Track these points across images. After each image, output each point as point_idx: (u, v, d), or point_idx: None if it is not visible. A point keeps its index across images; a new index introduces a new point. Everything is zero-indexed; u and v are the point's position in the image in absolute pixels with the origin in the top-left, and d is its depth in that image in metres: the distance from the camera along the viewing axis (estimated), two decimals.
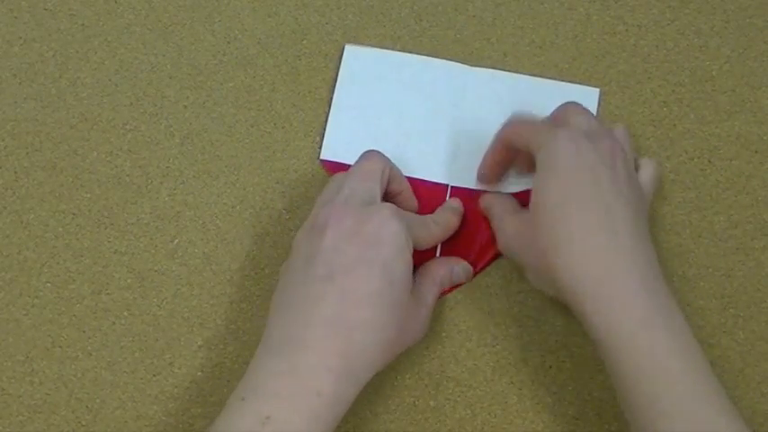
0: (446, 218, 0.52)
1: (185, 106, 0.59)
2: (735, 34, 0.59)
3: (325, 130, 0.57)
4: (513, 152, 0.52)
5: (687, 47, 0.59)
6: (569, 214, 0.45)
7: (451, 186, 0.55)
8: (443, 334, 0.53)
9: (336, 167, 0.55)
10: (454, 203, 0.54)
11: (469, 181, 0.55)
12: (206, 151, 0.58)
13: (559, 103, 0.52)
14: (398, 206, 0.48)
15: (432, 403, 0.52)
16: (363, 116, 0.57)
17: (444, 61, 0.58)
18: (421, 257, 0.52)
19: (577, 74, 0.58)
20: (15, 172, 0.58)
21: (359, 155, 0.51)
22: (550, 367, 0.52)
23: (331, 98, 0.58)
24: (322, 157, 0.57)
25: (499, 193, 0.54)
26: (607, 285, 0.43)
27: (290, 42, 0.60)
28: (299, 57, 0.60)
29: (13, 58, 0.60)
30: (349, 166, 0.51)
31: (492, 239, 0.53)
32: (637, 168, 0.51)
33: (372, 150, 0.51)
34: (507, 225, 0.50)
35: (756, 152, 0.56)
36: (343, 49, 0.59)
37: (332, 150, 0.55)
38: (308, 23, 0.61)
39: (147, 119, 0.59)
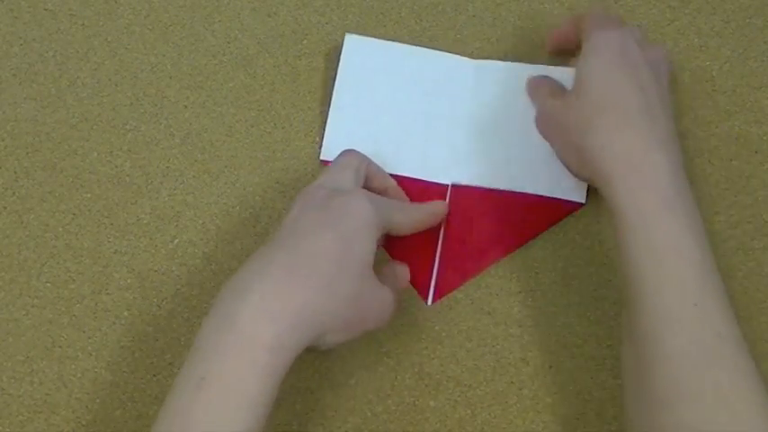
0: (430, 206, 0.53)
1: (185, 106, 0.59)
2: (735, 34, 0.59)
3: (324, 130, 0.57)
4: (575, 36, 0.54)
5: (687, 47, 0.59)
6: (609, 93, 0.47)
7: (452, 186, 0.55)
8: (443, 334, 0.53)
9: None
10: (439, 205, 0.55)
11: (471, 178, 0.55)
12: (206, 151, 0.58)
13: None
14: None
15: (432, 403, 0.52)
16: (363, 115, 0.57)
17: (444, 54, 0.58)
18: (423, 247, 0.53)
19: None
20: (15, 172, 0.58)
21: None
22: (550, 367, 0.52)
23: (330, 95, 0.58)
24: (322, 157, 0.57)
25: (545, 76, 0.56)
26: (639, 163, 0.45)
27: (290, 42, 0.60)
28: (299, 57, 0.60)
29: (13, 58, 0.61)
30: None
31: (492, 239, 0.53)
32: None
33: (349, 149, 0.52)
34: (549, 105, 0.52)
35: (756, 152, 0.56)
36: (344, 38, 0.58)
37: (332, 151, 0.55)
38: (308, 23, 0.61)
39: (147, 119, 0.59)
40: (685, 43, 0.59)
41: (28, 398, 0.53)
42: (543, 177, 0.55)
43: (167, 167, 0.58)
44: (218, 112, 0.59)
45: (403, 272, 0.51)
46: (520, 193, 0.54)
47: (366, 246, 0.46)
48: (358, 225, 0.46)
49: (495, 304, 0.53)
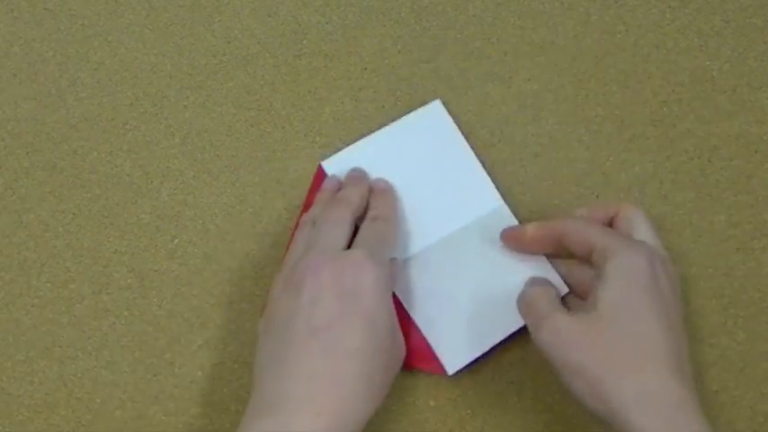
0: (383, 205, 0.52)
1: (185, 106, 0.59)
2: (735, 34, 0.59)
3: (343, 145, 0.56)
4: (559, 245, 0.49)
5: (687, 47, 0.59)
6: (639, 333, 0.43)
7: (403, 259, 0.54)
8: None
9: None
10: (356, 172, 0.54)
11: (409, 250, 0.54)
12: (206, 151, 0.58)
13: (419, 134, 0.55)
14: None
15: (432, 403, 0.52)
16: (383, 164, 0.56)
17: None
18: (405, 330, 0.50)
19: (577, 74, 0.58)
20: (15, 172, 0.58)
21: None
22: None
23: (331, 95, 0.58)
24: (324, 165, 0.56)
25: (544, 286, 0.49)
26: (673, 419, 0.41)
27: (290, 42, 0.60)
28: (299, 57, 0.60)
29: (13, 58, 0.61)
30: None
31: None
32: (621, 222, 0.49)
33: (338, 200, 0.51)
34: (560, 321, 0.45)
35: (756, 152, 0.56)
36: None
37: (338, 167, 0.55)
38: (308, 23, 0.61)
39: (147, 119, 0.59)
40: (685, 43, 0.59)
41: (28, 398, 0.53)
42: (463, 208, 0.54)
43: (167, 167, 0.58)
44: (218, 112, 0.59)
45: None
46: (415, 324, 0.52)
47: (389, 317, 0.46)
48: (376, 302, 0.45)
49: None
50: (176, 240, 0.56)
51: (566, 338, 0.44)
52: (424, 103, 0.58)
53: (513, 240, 0.52)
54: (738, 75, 0.58)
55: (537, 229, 0.50)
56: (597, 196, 0.55)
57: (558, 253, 0.50)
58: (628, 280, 0.44)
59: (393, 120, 0.57)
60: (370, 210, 0.52)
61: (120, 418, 0.52)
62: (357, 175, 0.54)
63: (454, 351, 0.51)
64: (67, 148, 0.58)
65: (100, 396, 0.53)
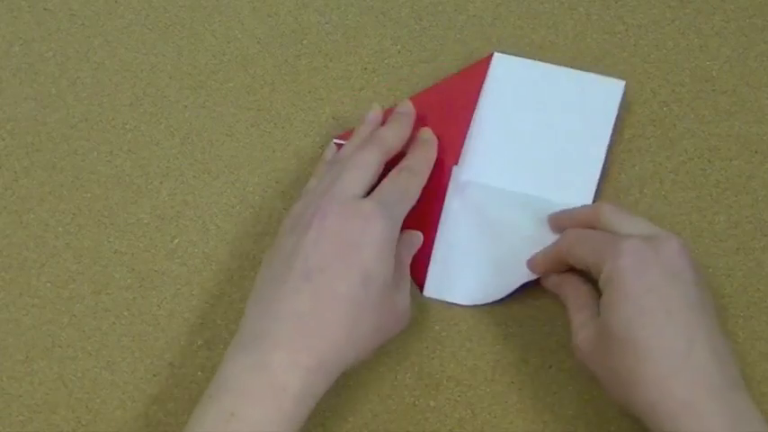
0: (418, 157, 0.51)
1: (185, 106, 0.59)
2: (735, 34, 0.59)
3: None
4: (567, 264, 0.49)
5: (687, 47, 0.59)
6: (642, 336, 0.42)
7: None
8: (443, 334, 0.53)
9: None
10: (405, 106, 0.53)
11: (474, 174, 0.54)
12: (206, 151, 0.58)
13: (582, 94, 0.54)
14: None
15: (432, 403, 0.52)
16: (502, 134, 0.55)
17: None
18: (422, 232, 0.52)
19: None
20: (15, 172, 0.58)
21: None
22: (550, 367, 0.52)
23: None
24: (496, 56, 0.56)
25: (575, 302, 0.49)
26: (686, 406, 0.41)
27: (290, 42, 0.60)
28: (298, 57, 0.60)
29: (13, 58, 0.61)
30: None
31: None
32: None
33: (372, 137, 0.51)
34: (581, 338, 0.46)
35: (756, 152, 0.56)
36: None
37: (505, 68, 0.56)
38: (308, 23, 0.61)
39: (147, 119, 0.59)
40: (685, 43, 0.59)
41: (28, 398, 0.53)
42: (553, 181, 0.54)
43: (167, 167, 0.58)
44: (218, 112, 0.59)
45: (415, 236, 0.51)
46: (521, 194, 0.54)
47: (387, 266, 0.46)
48: (375, 255, 0.45)
49: (495, 304, 0.53)
50: (176, 240, 0.56)
51: (585, 354, 0.46)
52: None
53: (532, 266, 0.52)
54: (738, 75, 0.58)
55: (544, 259, 0.51)
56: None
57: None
58: (616, 289, 0.44)
59: None
60: (404, 158, 0.51)
61: (120, 418, 0.52)
62: (404, 115, 0.53)
63: (442, 282, 0.53)
64: (67, 148, 0.58)
65: (100, 396, 0.53)
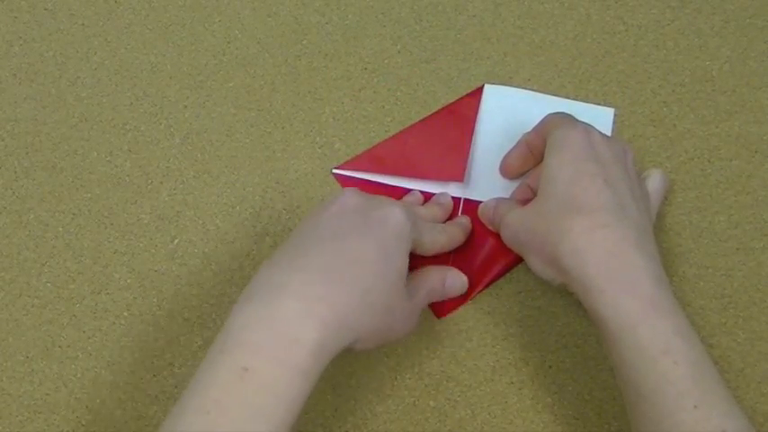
0: (453, 230, 0.52)
1: (185, 106, 0.59)
2: (735, 34, 0.59)
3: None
4: (534, 153, 0.53)
5: (687, 47, 0.59)
6: (577, 193, 0.46)
7: (464, 199, 0.55)
8: (443, 334, 0.53)
9: (349, 182, 0.56)
10: (464, 220, 0.54)
11: (481, 195, 0.55)
12: (206, 151, 0.58)
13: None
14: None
15: (432, 403, 0.52)
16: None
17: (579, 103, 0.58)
18: (434, 261, 0.52)
19: (577, 74, 0.58)
20: (15, 172, 0.58)
21: None
22: (550, 367, 0.52)
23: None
24: (486, 87, 0.57)
25: (499, 197, 0.54)
26: (614, 267, 0.44)
27: (290, 42, 0.60)
28: (299, 57, 0.60)
29: (13, 58, 0.61)
30: (361, 180, 0.55)
31: (499, 253, 0.53)
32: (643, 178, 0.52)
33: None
34: (512, 218, 0.50)
35: (756, 152, 0.56)
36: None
37: (496, 97, 0.58)
38: (308, 23, 0.61)
39: (147, 119, 0.59)
40: (685, 43, 0.59)
41: (28, 398, 0.53)
42: None
43: (167, 167, 0.58)
44: (218, 112, 0.59)
45: (459, 282, 0.52)
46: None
47: (402, 258, 0.46)
48: (396, 237, 0.45)
49: (495, 304, 0.53)
50: (176, 240, 0.56)
51: (517, 226, 0.49)
52: (424, 103, 0.58)
53: (504, 170, 0.55)
54: (738, 75, 0.58)
55: (514, 149, 0.54)
56: None
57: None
58: (561, 147, 0.47)
59: (398, 119, 0.57)
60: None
61: (120, 418, 0.52)
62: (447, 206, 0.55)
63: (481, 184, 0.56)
64: (67, 148, 0.58)
65: (100, 396, 0.53)
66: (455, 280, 0.52)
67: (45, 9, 0.62)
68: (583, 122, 0.50)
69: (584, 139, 0.47)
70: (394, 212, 0.46)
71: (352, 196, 0.47)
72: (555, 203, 0.46)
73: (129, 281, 0.55)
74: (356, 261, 0.44)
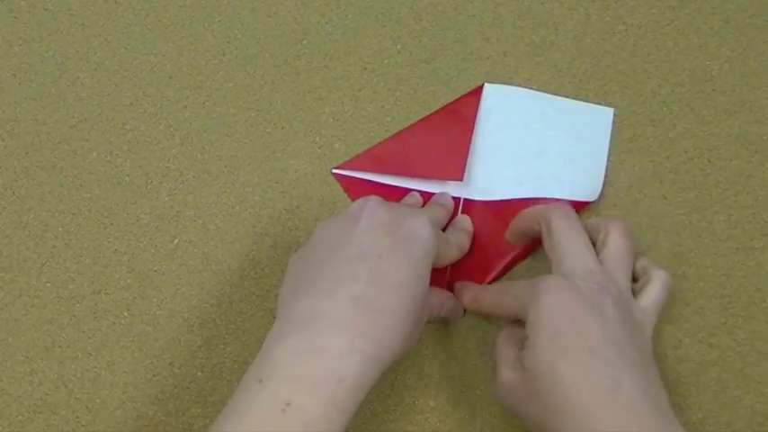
0: (460, 238, 0.52)
1: (185, 106, 0.59)
2: (735, 34, 0.59)
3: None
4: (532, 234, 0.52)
5: (687, 47, 0.59)
6: (567, 374, 0.41)
7: (464, 199, 0.55)
8: (443, 334, 0.53)
9: (349, 182, 0.56)
10: (465, 223, 0.54)
11: (481, 194, 0.55)
12: (206, 151, 0.58)
13: (574, 122, 0.56)
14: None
15: (432, 403, 0.52)
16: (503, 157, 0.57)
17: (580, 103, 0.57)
18: (433, 279, 0.51)
19: (577, 74, 0.58)
20: (15, 172, 0.58)
21: None
22: None
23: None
24: (487, 86, 0.57)
25: (507, 339, 0.48)
26: (616, 407, 0.41)
27: (290, 42, 0.60)
28: (298, 57, 0.60)
29: (13, 58, 0.61)
30: (361, 180, 0.55)
31: (499, 253, 0.53)
32: (638, 277, 0.49)
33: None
34: (505, 378, 0.45)
35: (756, 152, 0.56)
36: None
37: (496, 96, 0.57)
38: (308, 23, 0.61)
39: (147, 119, 0.59)
40: (685, 43, 0.59)
41: (28, 398, 0.53)
42: (556, 187, 0.55)
43: (167, 167, 0.58)
44: (218, 112, 0.59)
45: (454, 307, 0.52)
46: (532, 198, 0.54)
47: (429, 275, 0.45)
48: (425, 254, 0.45)
49: None
50: (176, 240, 0.56)
51: (507, 392, 0.45)
52: (424, 103, 0.58)
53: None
54: (738, 75, 0.58)
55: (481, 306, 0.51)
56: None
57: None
58: (536, 332, 0.43)
59: (397, 119, 0.57)
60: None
61: (120, 418, 0.52)
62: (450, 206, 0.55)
63: (483, 178, 0.55)
64: (67, 148, 0.58)
65: (100, 396, 0.53)
66: (452, 306, 0.51)
67: (45, 9, 0.62)
68: (546, 282, 0.44)
69: (555, 314, 0.43)
70: (422, 227, 0.45)
71: (378, 210, 0.46)
72: (543, 389, 0.42)
73: (128, 281, 0.55)
74: (393, 287, 0.43)
